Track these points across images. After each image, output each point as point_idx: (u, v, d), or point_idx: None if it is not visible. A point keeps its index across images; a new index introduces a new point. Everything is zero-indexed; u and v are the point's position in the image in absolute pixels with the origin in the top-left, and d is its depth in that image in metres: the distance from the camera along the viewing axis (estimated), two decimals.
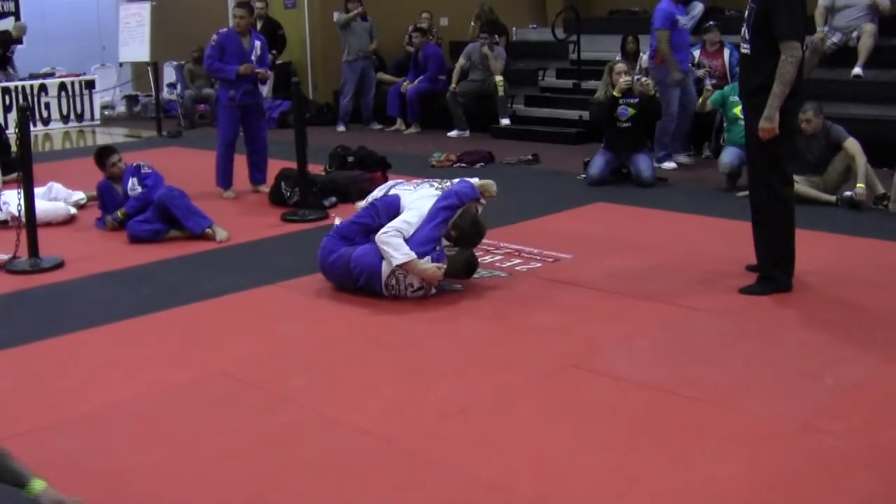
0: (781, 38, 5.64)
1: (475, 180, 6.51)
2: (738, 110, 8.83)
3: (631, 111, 9.58)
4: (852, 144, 8.32)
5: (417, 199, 6.22)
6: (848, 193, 8.25)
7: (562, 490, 3.70)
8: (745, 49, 5.93)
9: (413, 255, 5.87)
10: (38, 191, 7.95)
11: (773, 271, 5.98)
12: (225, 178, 9.63)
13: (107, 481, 3.86)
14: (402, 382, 4.81)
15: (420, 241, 5.96)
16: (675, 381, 4.70)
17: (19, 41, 16.56)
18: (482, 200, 6.46)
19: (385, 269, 5.95)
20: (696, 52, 11.33)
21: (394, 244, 5.90)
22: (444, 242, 6.16)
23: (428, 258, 5.93)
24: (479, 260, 6.71)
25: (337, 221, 6.54)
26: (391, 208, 6.25)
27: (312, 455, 4.04)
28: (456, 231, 6.16)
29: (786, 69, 5.65)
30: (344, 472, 3.88)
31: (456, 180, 6.45)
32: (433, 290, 6.06)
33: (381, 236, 5.96)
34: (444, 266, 5.99)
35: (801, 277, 6.05)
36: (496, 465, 3.91)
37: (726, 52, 11.06)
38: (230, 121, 9.52)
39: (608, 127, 9.73)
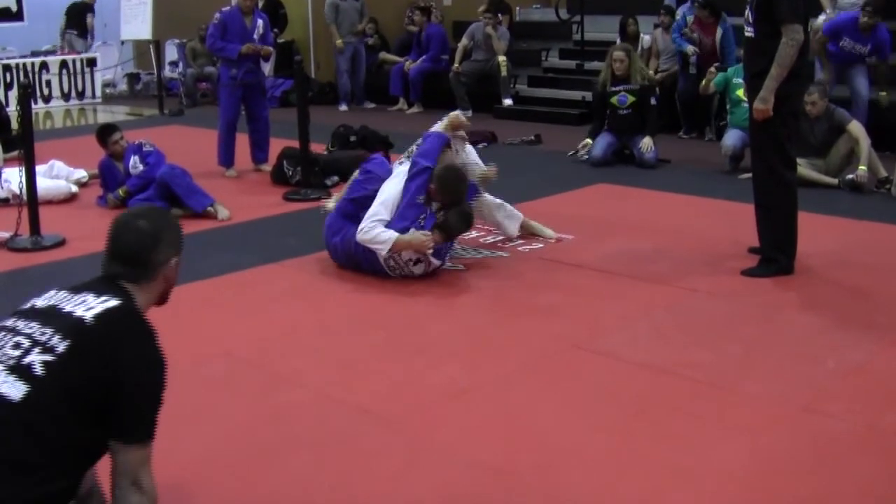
0: (783, 22, 5.61)
1: (439, 125, 6.50)
2: (740, 92, 8.79)
3: (630, 98, 9.57)
4: (856, 127, 8.31)
5: (390, 182, 6.13)
6: (850, 176, 8.23)
7: (561, 471, 3.70)
8: (749, 32, 5.90)
9: (393, 237, 5.80)
10: (39, 168, 7.94)
11: (776, 254, 5.97)
12: (227, 156, 9.62)
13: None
14: (403, 363, 4.81)
15: (399, 217, 5.91)
16: (676, 363, 4.70)
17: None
18: (455, 144, 6.41)
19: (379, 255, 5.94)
20: (690, 18, 11.19)
21: (371, 237, 5.85)
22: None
23: (412, 230, 5.86)
24: (482, 240, 6.72)
25: (330, 206, 6.53)
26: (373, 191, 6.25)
27: (313, 434, 4.04)
28: (444, 231, 5.95)
29: (786, 52, 5.62)
30: (344, 452, 3.88)
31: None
32: (435, 261, 5.99)
33: (359, 235, 5.90)
34: (430, 232, 5.87)
35: (803, 260, 6.04)
36: (497, 445, 3.91)
37: (719, 31, 10.95)
38: (232, 99, 9.50)
39: (609, 114, 9.73)
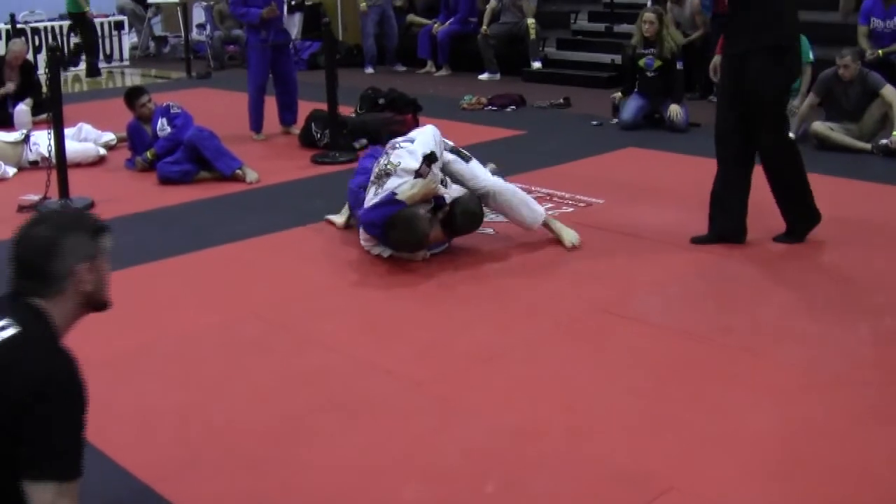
0: None
1: (405, 189, 5.60)
2: None
3: (657, 62, 9.47)
4: (889, 91, 8.19)
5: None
6: (884, 141, 8.13)
7: (591, 435, 3.68)
8: None
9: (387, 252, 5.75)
10: (67, 131, 7.95)
11: (803, 212, 5.87)
12: (257, 120, 9.57)
13: (136, 422, 3.87)
14: (431, 326, 4.80)
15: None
16: (707, 328, 4.66)
17: None
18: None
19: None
20: None
21: (375, 253, 5.79)
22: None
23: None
24: None
25: (339, 221, 6.43)
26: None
27: (342, 397, 4.04)
28: (448, 230, 5.78)
29: None
30: (373, 414, 3.88)
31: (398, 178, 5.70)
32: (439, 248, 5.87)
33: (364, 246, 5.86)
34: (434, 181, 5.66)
35: (836, 226, 5.97)
36: (525, 409, 3.90)
37: None
38: (262, 62, 9.41)
39: (638, 76, 9.66)
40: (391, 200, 5.57)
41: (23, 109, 9.98)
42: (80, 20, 15.08)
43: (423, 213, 5.58)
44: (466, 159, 5.96)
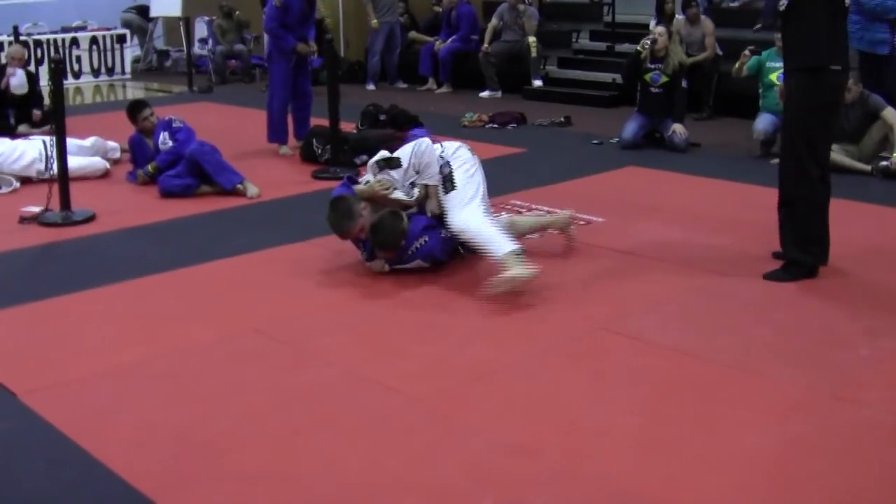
0: None
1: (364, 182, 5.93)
2: (774, 76, 8.76)
3: (664, 78, 9.49)
4: (890, 114, 8.23)
5: None
6: (884, 163, 8.16)
7: (588, 454, 3.69)
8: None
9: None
10: (80, 143, 8.03)
11: (800, 255, 5.66)
12: (283, 133, 9.61)
13: (135, 436, 3.88)
14: (430, 343, 4.81)
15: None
16: (704, 347, 4.67)
17: None
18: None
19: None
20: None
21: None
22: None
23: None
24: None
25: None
26: None
27: (341, 413, 4.05)
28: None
29: None
30: (372, 430, 3.89)
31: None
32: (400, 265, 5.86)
33: None
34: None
35: (834, 247, 5.96)
36: (523, 427, 3.90)
37: None
38: (287, 76, 9.45)
39: (641, 90, 9.67)
40: (346, 185, 6.00)
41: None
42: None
43: (360, 210, 5.74)
44: (448, 189, 5.80)
